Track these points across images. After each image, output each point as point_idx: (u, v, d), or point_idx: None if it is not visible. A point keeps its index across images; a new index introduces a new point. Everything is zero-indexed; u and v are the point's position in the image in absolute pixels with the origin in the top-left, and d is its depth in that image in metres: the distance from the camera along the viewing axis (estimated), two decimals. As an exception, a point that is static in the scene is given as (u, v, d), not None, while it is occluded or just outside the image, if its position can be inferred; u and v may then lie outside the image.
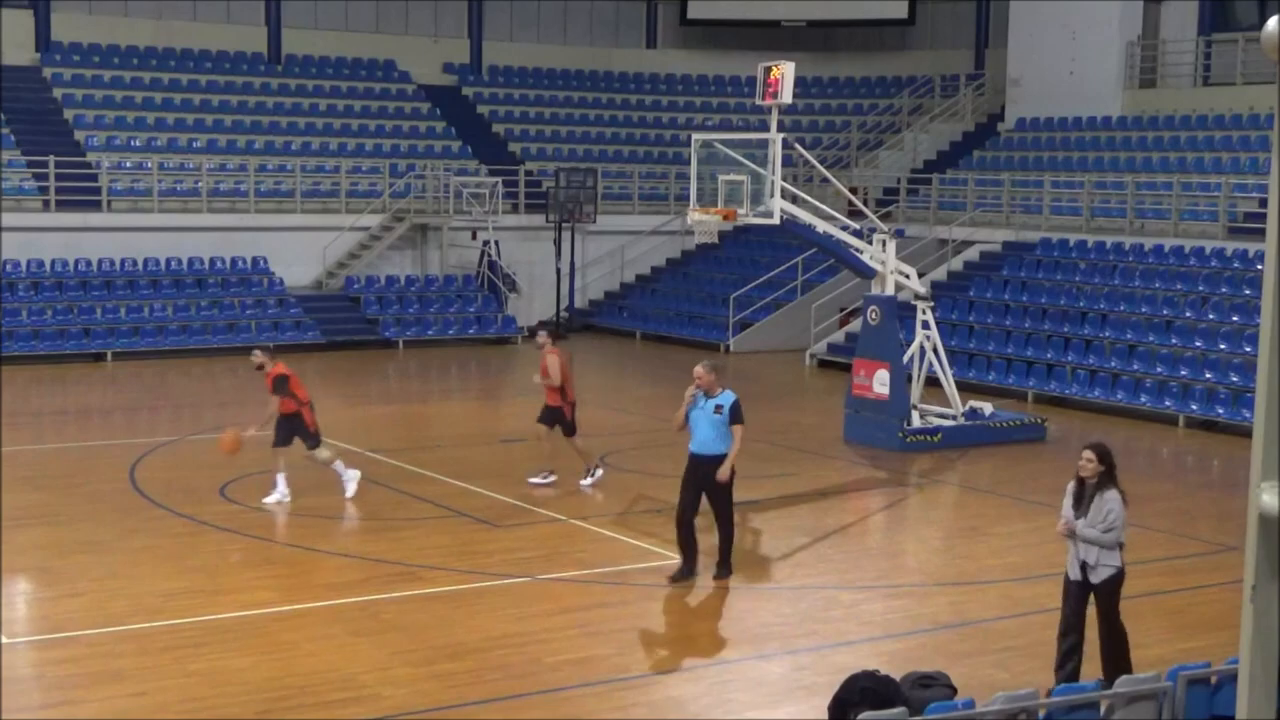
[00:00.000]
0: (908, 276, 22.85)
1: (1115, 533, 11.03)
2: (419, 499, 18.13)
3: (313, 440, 17.59)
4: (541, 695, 11.46)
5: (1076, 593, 11.17)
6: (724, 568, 14.60)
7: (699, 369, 14.31)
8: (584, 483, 18.78)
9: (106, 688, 11.36)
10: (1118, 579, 11.12)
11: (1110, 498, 11.03)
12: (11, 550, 15.40)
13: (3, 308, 29.90)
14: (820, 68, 43.81)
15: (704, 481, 14.25)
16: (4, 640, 12.50)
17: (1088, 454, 11.14)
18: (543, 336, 18.96)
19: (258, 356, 17.75)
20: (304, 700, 11.11)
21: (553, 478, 18.79)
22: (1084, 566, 11.08)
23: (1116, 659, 11.15)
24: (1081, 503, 11.10)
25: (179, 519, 16.85)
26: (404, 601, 13.84)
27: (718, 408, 14.18)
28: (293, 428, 17.47)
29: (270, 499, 17.44)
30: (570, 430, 18.80)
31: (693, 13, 44.01)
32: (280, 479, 17.50)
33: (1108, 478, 11.10)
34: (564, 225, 35.77)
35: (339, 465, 17.82)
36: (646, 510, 17.84)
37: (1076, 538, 11.07)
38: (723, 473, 14.10)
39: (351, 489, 17.79)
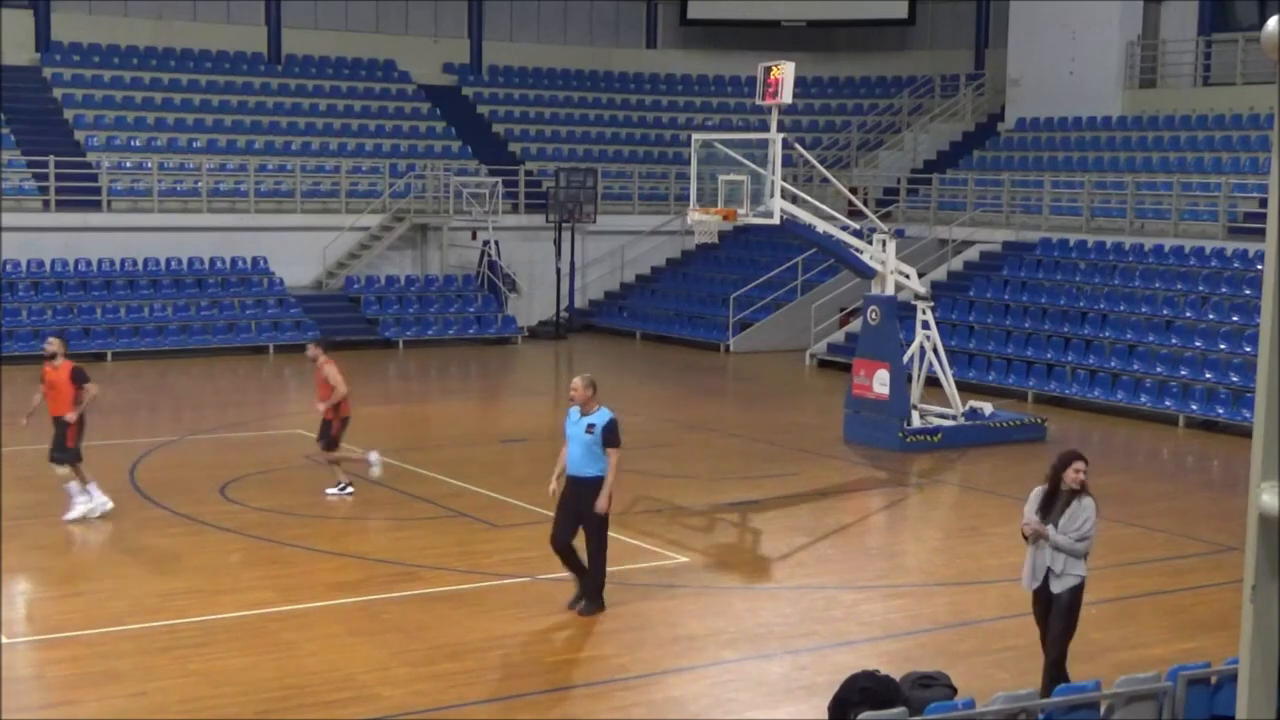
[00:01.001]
0: (908, 276, 22.86)
1: (1088, 542, 10.83)
2: (419, 499, 18.12)
3: (68, 454, 16.57)
4: (541, 695, 11.47)
5: (1045, 601, 10.86)
6: (591, 601, 13.37)
7: (576, 382, 13.27)
8: (330, 491, 18.00)
9: (106, 688, 11.35)
10: (1081, 588, 10.80)
11: (1087, 505, 10.72)
12: (11, 550, 15.39)
13: (3, 308, 29.87)
14: (820, 68, 43.82)
15: (577, 505, 13.16)
16: (4, 640, 12.50)
17: (1080, 464, 10.72)
18: (313, 349, 18.01)
19: (52, 344, 16.62)
20: (304, 700, 11.11)
21: (350, 489, 18.10)
22: (1048, 573, 10.73)
23: (1059, 674, 10.87)
24: (1052, 509, 10.75)
25: (179, 519, 16.84)
26: (404, 601, 13.83)
27: (589, 427, 13.08)
28: (59, 433, 16.53)
29: (96, 512, 16.62)
30: (330, 445, 17.99)
31: (693, 13, 44.01)
32: (92, 487, 16.72)
33: (1083, 485, 10.90)
34: (564, 225, 35.77)
35: (72, 487, 16.63)
36: (645, 510, 17.82)
37: (1044, 542, 10.69)
38: (601, 503, 13.03)
39: (75, 514, 16.54)
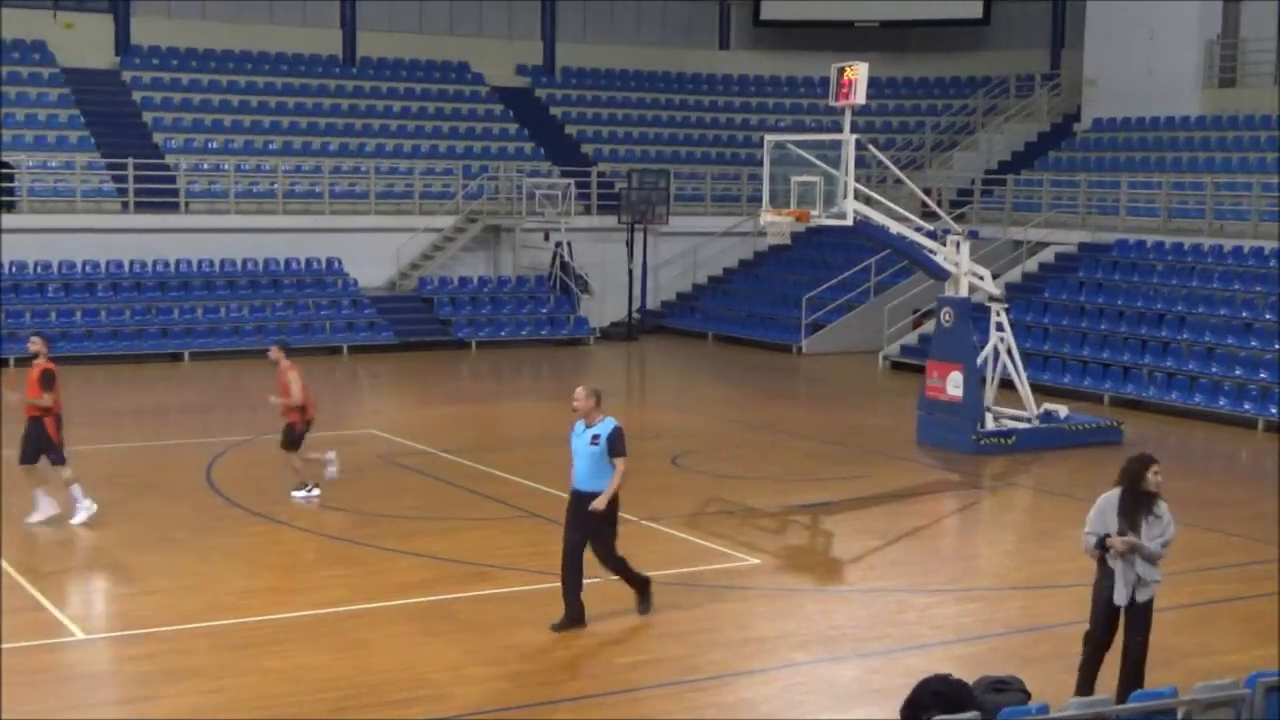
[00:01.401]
0: (982, 278, 22.70)
1: (1169, 545, 10.66)
2: (491, 499, 18.19)
3: (56, 455, 16.26)
4: (612, 696, 11.46)
5: (1113, 615, 10.59)
6: (643, 601, 13.30)
7: (578, 392, 12.76)
8: (296, 494, 17.72)
9: (182, 684, 11.46)
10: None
11: (1165, 509, 10.48)
12: (89, 548, 15.63)
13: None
14: (894, 68, 43.59)
15: (583, 519, 12.74)
16: (81, 635, 12.70)
17: (1157, 467, 10.49)
18: (275, 352, 17.83)
19: (34, 344, 16.38)
20: (376, 699, 11.17)
21: (316, 490, 17.88)
22: (1135, 585, 10.46)
23: (1139, 678, 10.69)
24: (1136, 517, 10.40)
25: (254, 517, 16.99)
26: (475, 601, 13.88)
27: (594, 438, 12.60)
28: (39, 440, 16.17)
29: (35, 518, 16.24)
30: (293, 445, 17.72)
31: (766, 13, 43.93)
32: (40, 494, 16.34)
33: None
34: (636, 226, 35.80)
35: (77, 490, 16.37)
36: (718, 512, 17.81)
37: (1134, 554, 10.37)
38: (598, 503, 12.53)
39: (80, 518, 16.33)
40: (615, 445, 12.63)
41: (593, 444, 12.65)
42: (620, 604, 13.64)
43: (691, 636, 12.92)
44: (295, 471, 17.91)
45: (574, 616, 12.93)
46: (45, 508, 16.42)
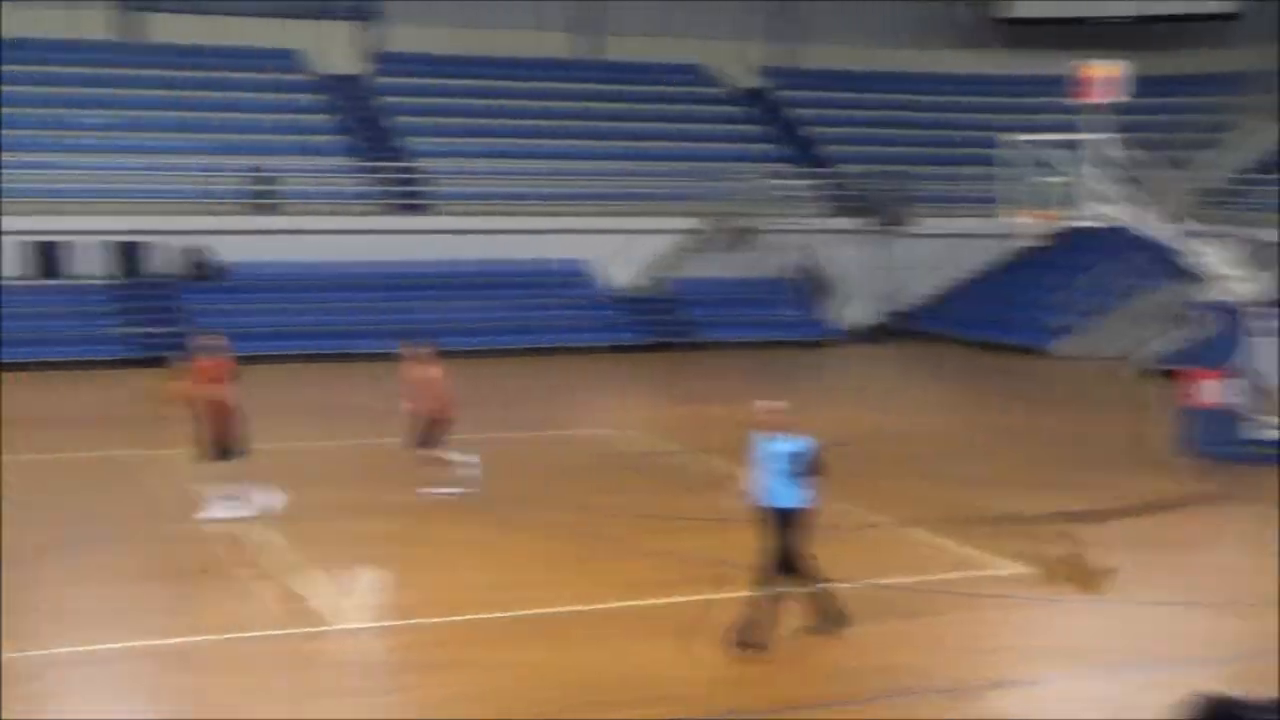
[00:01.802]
0: (1244, 281, 21.83)
1: None
2: (735, 498, 18.05)
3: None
4: (856, 704, 11.23)
5: None
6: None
7: (769, 405, 12.46)
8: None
9: (425, 675, 11.67)
10: None
11: None
12: (350, 543, 15.96)
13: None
14: (1148, 65, 41.85)
15: (774, 535, 12.33)
16: (336, 626, 13.00)
17: None
18: (412, 348, 17.96)
19: (209, 340, 17.06)
20: (604, 699, 11.12)
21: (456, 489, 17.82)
22: None
23: None
24: None
25: (498, 514, 17.17)
26: (724, 602, 13.74)
27: (788, 454, 12.19)
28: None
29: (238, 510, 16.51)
30: (424, 443, 17.70)
31: (1012, 11, 43.05)
32: (243, 490, 16.65)
33: None
34: (883, 228, 35.40)
35: (233, 488, 16.59)
36: (967, 518, 17.41)
37: None
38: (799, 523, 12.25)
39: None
40: (812, 464, 12.25)
41: (786, 460, 12.23)
42: (863, 608, 13.34)
43: (940, 644, 12.66)
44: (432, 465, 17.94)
45: (832, 618, 12.65)
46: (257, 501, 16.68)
